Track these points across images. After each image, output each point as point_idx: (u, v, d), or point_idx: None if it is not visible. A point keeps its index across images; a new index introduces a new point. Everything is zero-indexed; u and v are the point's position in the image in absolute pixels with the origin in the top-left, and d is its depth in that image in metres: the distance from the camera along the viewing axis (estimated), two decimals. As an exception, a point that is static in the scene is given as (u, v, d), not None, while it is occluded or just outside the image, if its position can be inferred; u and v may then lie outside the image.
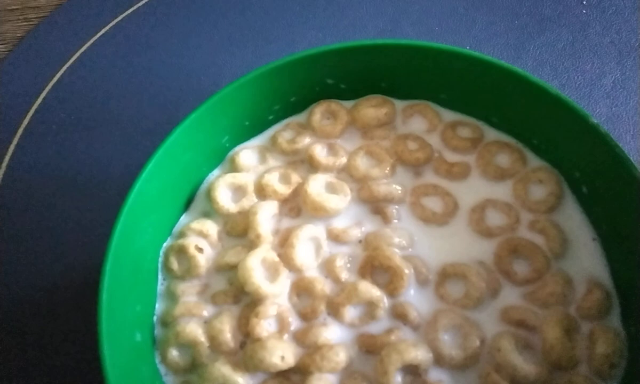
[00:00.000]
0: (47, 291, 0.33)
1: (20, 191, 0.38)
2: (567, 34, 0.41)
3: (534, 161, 0.29)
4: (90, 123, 0.40)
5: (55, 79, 0.44)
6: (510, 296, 0.26)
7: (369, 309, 0.25)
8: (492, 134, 0.29)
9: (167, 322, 0.26)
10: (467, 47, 0.41)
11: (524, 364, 0.23)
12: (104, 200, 0.36)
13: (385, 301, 0.25)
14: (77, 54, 0.45)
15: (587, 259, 0.26)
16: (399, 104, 0.30)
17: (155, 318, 0.26)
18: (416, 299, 0.25)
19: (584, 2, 0.42)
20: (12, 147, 0.41)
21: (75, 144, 0.40)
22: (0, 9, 0.50)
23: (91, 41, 0.45)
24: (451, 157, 0.29)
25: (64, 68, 0.44)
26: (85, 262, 0.33)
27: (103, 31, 0.46)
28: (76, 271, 0.33)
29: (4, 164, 0.40)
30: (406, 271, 0.25)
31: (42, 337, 0.32)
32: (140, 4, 0.47)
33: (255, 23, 0.44)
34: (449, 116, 0.30)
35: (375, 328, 0.25)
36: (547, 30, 0.41)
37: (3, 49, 0.47)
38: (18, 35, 0.48)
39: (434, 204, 0.28)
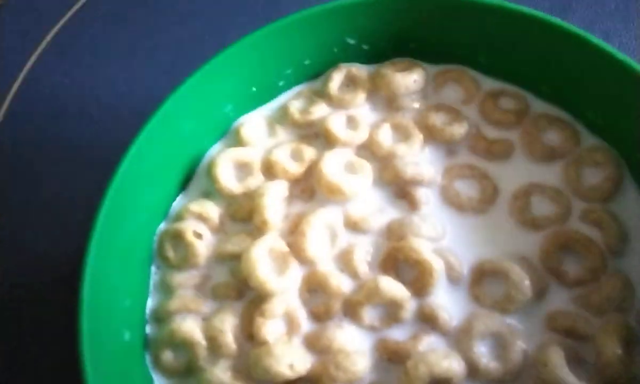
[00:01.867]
0: (23, 280, 0.30)
1: (7, 159, 0.35)
2: (618, -7, 0.36)
3: (589, 139, 0.24)
4: (86, 81, 0.37)
5: (48, 37, 0.40)
6: (559, 299, 0.22)
7: (392, 310, 0.22)
8: (540, 106, 0.25)
9: (160, 318, 0.23)
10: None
11: (576, 382, 0.20)
12: (93, 174, 0.32)
13: (411, 302, 0.22)
14: (68, 15, 0.42)
15: (649, 258, 0.22)
16: (431, 69, 0.26)
17: (147, 313, 0.23)
18: (447, 300, 0.22)
19: (641, -45, 0.37)
20: (1, 113, 0.38)
21: (65, 113, 0.36)
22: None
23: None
24: (491, 133, 0.25)
25: (57, 27, 0.41)
26: (68, 248, 0.30)
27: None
28: (57, 258, 0.30)
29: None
30: (436, 266, 0.22)
31: (17, 336, 0.29)
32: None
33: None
34: (489, 83, 0.26)
35: (398, 333, 0.22)
36: (598, -14, 0.36)
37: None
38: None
39: (469, 188, 0.24)
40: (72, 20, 0.41)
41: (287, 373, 0.20)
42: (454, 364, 0.20)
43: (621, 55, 0.22)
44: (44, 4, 0.42)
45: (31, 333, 0.28)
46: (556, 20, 0.23)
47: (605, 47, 0.23)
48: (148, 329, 0.23)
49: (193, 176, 0.26)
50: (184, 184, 0.26)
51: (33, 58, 0.40)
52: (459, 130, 0.24)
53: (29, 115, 0.37)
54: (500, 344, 0.21)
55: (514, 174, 0.24)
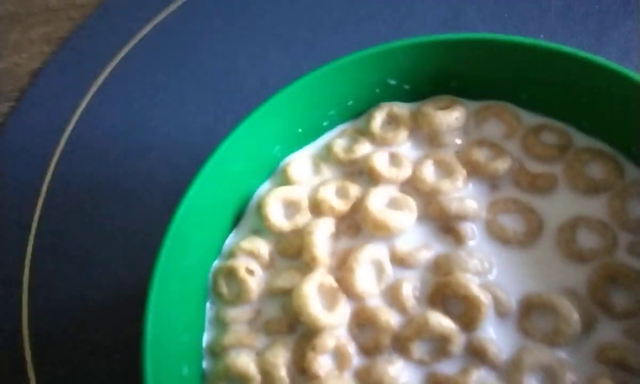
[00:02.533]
0: (82, 314, 0.31)
1: (63, 200, 0.37)
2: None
3: (634, 171, 0.25)
4: (133, 131, 0.39)
5: (99, 80, 0.43)
6: (608, 331, 0.22)
7: (441, 344, 0.22)
8: (582, 140, 0.25)
9: (216, 352, 0.24)
10: (541, 36, 0.37)
11: (628, 416, 0.20)
12: (148, 215, 0.34)
13: (459, 336, 0.22)
14: (124, 52, 0.44)
15: (700, 290, 0.22)
16: (472, 105, 0.27)
17: (203, 348, 0.24)
18: (496, 334, 0.22)
19: (678, -20, 0.37)
20: (56, 154, 0.40)
21: (119, 154, 0.38)
22: (43, 9, 0.49)
23: (136, 39, 0.44)
24: (534, 167, 0.25)
25: (108, 70, 0.43)
26: (126, 285, 0.32)
27: (146, 30, 0.44)
28: (117, 292, 0.32)
29: (49, 172, 0.39)
30: (485, 301, 0.22)
31: (80, 369, 0.30)
32: (178, 4, 0.45)
33: (304, 17, 0.41)
34: (530, 119, 0.26)
35: (448, 367, 0.22)
36: (635, 13, 0.36)
37: (48, 50, 0.46)
38: (61, 35, 0.47)
39: (514, 222, 0.24)
40: (121, 65, 0.43)
41: (340, 406, 0.21)
42: (505, 399, 0.21)
43: (662, 89, 0.23)
44: (97, 49, 0.44)
45: (95, 365, 0.30)
46: (593, 57, 0.24)
47: (644, 81, 0.23)
48: (204, 363, 0.24)
49: (243, 214, 0.27)
50: (235, 223, 0.27)
51: (84, 102, 0.42)
52: (502, 165, 0.25)
53: (81, 158, 0.39)
54: (550, 377, 0.21)
55: (559, 207, 0.24)
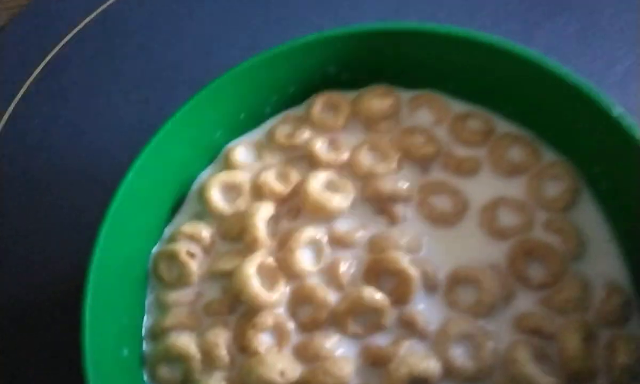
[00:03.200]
0: (23, 300, 0.31)
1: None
2: (576, 20, 0.39)
3: (549, 154, 0.27)
4: (70, 122, 0.38)
5: (35, 72, 0.42)
6: (525, 302, 0.24)
7: (375, 318, 0.23)
8: (504, 126, 0.27)
9: (156, 335, 0.24)
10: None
11: (542, 376, 0.22)
12: (89, 199, 0.34)
13: (391, 309, 0.23)
14: (62, 42, 0.43)
15: (605, 262, 0.25)
16: (405, 94, 0.28)
17: (143, 331, 0.24)
18: (425, 306, 0.24)
19: (595, -15, 0.40)
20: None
21: (55, 145, 0.37)
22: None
23: (74, 31, 0.43)
24: (460, 151, 0.27)
25: (45, 61, 0.42)
26: (67, 270, 0.31)
27: (85, 21, 0.43)
28: (56, 279, 0.31)
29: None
30: (414, 275, 0.24)
31: (21, 351, 0.30)
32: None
33: (248, 7, 0.41)
34: (457, 106, 0.28)
35: (381, 339, 0.23)
36: (556, 15, 0.39)
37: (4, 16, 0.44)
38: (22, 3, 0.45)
39: (442, 202, 0.26)
40: (57, 58, 0.42)
41: (278, 380, 0.22)
42: (431, 365, 0.22)
43: (574, 78, 0.25)
44: (30, 41, 0.43)
45: (35, 349, 0.29)
46: (514, 46, 0.26)
47: (559, 71, 0.25)
48: (145, 346, 0.24)
49: (185, 199, 0.27)
50: (177, 207, 0.27)
51: (19, 94, 0.41)
52: (431, 149, 0.27)
53: (18, 148, 0.38)
54: (473, 345, 0.23)
55: (482, 188, 0.26)
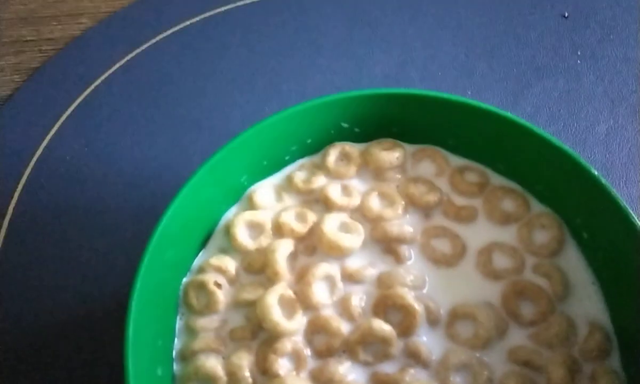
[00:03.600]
0: (69, 324, 0.33)
1: (29, 223, 0.39)
2: (562, 83, 0.43)
3: (537, 206, 0.30)
4: (103, 158, 0.41)
5: (69, 110, 0.45)
6: (517, 336, 0.27)
7: (383, 347, 0.26)
8: (497, 179, 0.31)
9: (186, 357, 0.27)
10: (469, 93, 0.43)
11: (531, 404, 0.25)
12: (114, 238, 0.37)
13: (398, 341, 0.26)
14: (91, 88, 0.46)
15: (588, 303, 0.28)
16: (409, 148, 0.32)
17: (174, 353, 0.27)
18: (428, 338, 0.27)
19: (579, 53, 0.45)
20: (24, 177, 0.42)
21: (87, 179, 0.40)
22: (16, 40, 0.51)
23: (106, 74, 0.47)
24: (459, 200, 0.30)
25: (78, 100, 0.46)
26: (104, 297, 0.34)
27: (117, 66, 0.47)
28: (94, 305, 0.34)
29: (16, 194, 0.41)
30: (419, 310, 0.26)
31: (72, 360, 0.32)
32: (154, 40, 0.49)
33: (264, 66, 0.45)
34: (456, 161, 0.32)
35: (389, 367, 0.26)
36: (544, 78, 0.44)
37: (18, 79, 0.48)
38: (33, 66, 0.49)
39: (443, 245, 0.29)
40: (92, 96, 0.46)
41: (297, 400, 0.24)
42: (434, 391, 0.25)
43: (557, 142, 0.28)
44: (66, 81, 0.47)
45: (80, 362, 0.32)
46: (505, 113, 0.29)
47: (544, 135, 0.28)
48: (175, 367, 0.27)
49: (212, 235, 0.30)
50: (204, 243, 0.30)
51: (54, 128, 0.44)
52: (433, 198, 0.30)
53: (49, 183, 0.41)
54: (471, 374, 0.26)
55: (479, 234, 0.29)
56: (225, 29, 0.49)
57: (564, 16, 0.47)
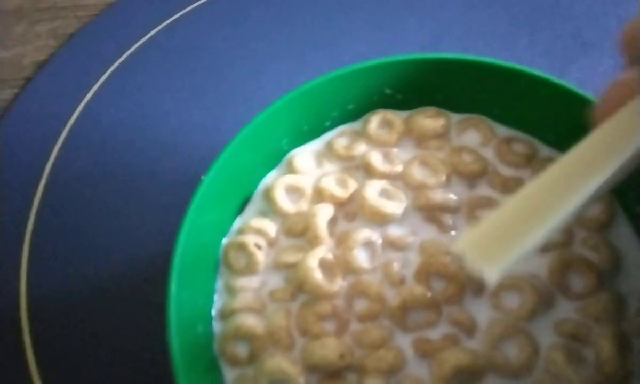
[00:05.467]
0: (114, 281, 0.34)
1: (63, 187, 0.39)
2: (608, 59, 0.42)
3: (587, 179, 0.29)
4: (138, 124, 0.41)
5: (104, 76, 0.45)
6: (564, 309, 0.26)
7: (426, 314, 0.26)
8: (546, 151, 0.30)
9: (225, 315, 0.26)
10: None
11: (578, 377, 0.24)
12: (147, 205, 0.37)
13: (441, 308, 0.26)
14: (125, 55, 0.46)
15: (638, 277, 0.27)
16: (454, 116, 0.31)
17: (214, 312, 0.27)
18: (472, 307, 0.26)
19: (625, 29, 0.43)
20: (60, 141, 0.42)
21: (121, 146, 0.40)
22: (52, 6, 0.51)
23: (141, 41, 0.47)
24: (505, 171, 0.29)
25: (113, 67, 0.46)
26: (140, 261, 0.34)
27: (152, 33, 0.47)
28: (130, 268, 0.34)
29: (52, 158, 0.41)
30: (463, 279, 0.26)
31: (110, 322, 0.32)
32: (189, 8, 0.48)
33: (297, 37, 0.45)
34: (503, 130, 0.31)
35: (431, 333, 0.26)
36: (589, 53, 0.42)
37: (54, 44, 0.48)
38: (68, 32, 0.49)
39: (488, 215, 0.28)
40: (127, 63, 0.46)
41: (338, 362, 0.24)
42: (478, 359, 0.24)
43: (612, 111, 0.27)
44: (102, 47, 0.47)
45: (125, 322, 0.32)
46: (552, 78, 0.29)
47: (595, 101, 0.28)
48: (215, 324, 0.27)
49: (251, 198, 0.30)
50: (243, 205, 0.30)
51: (89, 95, 0.44)
52: (478, 167, 0.29)
53: (83, 148, 0.41)
54: (516, 344, 0.25)
55: (525, 205, 0.29)
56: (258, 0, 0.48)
57: (611, -10, 0.45)
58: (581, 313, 0.26)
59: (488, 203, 0.29)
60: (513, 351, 0.25)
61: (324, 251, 0.27)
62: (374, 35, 0.44)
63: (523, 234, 0.18)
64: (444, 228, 0.28)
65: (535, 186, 0.20)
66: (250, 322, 0.26)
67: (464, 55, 0.30)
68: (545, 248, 0.27)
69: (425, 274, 0.27)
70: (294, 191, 0.29)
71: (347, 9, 0.46)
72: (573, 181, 0.19)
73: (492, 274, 0.18)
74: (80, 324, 0.33)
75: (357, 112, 0.32)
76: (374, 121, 0.31)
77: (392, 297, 0.26)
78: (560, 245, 0.27)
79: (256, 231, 0.28)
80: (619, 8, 0.44)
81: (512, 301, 0.26)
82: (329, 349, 0.24)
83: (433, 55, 0.30)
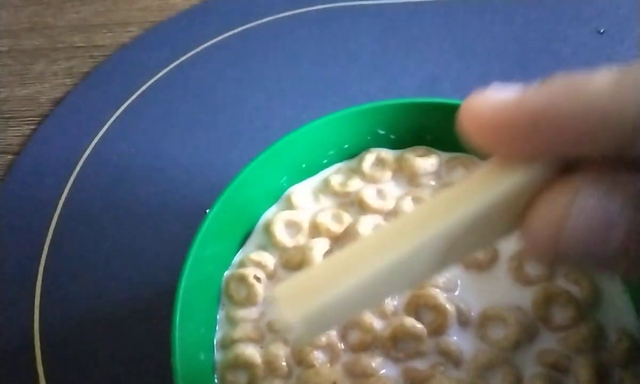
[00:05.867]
0: (122, 310, 0.35)
1: (77, 218, 0.41)
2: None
3: (569, 215, 0.31)
4: (149, 160, 0.43)
5: (117, 113, 0.48)
6: (547, 340, 0.27)
7: (415, 344, 0.27)
8: (529, 188, 0.32)
9: (226, 345, 0.28)
10: (502, 105, 0.44)
11: (559, 405, 0.25)
12: (158, 235, 0.39)
13: (429, 339, 0.27)
14: (138, 93, 0.49)
15: (617, 310, 0.28)
16: (443, 155, 0.33)
17: (215, 341, 0.29)
18: (458, 338, 0.27)
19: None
20: (74, 175, 0.44)
21: (134, 178, 0.43)
22: (68, 46, 0.54)
23: (152, 80, 0.49)
24: (491, 208, 0.31)
25: (126, 104, 0.48)
26: (149, 290, 0.36)
27: (164, 72, 0.50)
28: (139, 297, 0.36)
29: (66, 191, 0.43)
30: (450, 310, 0.27)
31: (117, 349, 0.34)
32: (199, 48, 0.51)
33: (302, 76, 0.47)
34: (489, 169, 0.33)
35: (420, 363, 0.27)
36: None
37: (69, 83, 0.51)
38: (83, 70, 0.52)
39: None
40: (139, 100, 0.48)
41: (331, 390, 0.26)
42: (464, 387, 0.26)
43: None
44: (115, 85, 0.49)
45: (132, 349, 0.34)
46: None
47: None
48: (216, 354, 0.28)
49: (251, 233, 0.32)
50: (244, 240, 0.32)
51: (102, 130, 0.47)
52: (466, 204, 0.31)
53: (97, 180, 0.43)
54: (500, 373, 0.26)
55: (510, 241, 0.30)
56: (264, 40, 0.51)
57: (600, 32, 0.47)
58: (562, 343, 0.27)
59: (475, 238, 0.30)
60: (497, 380, 0.26)
61: (319, 283, 0.29)
62: (376, 77, 0.46)
63: (330, 287, 0.17)
64: (433, 262, 0.30)
65: (359, 243, 0.18)
66: (250, 351, 0.27)
67: (450, 100, 0.32)
68: (529, 281, 0.29)
69: (414, 306, 0.28)
70: (292, 226, 0.31)
71: (351, 54, 0.48)
72: (396, 239, 0.17)
73: (292, 318, 0.17)
74: (90, 352, 0.34)
75: (353, 150, 0.34)
76: (368, 159, 0.33)
77: (383, 328, 0.28)
78: (543, 278, 0.29)
79: (256, 263, 0.30)
80: (608, 49, 0.46)
81: (497, 333, 0.27)
82: (322, 377, 0.26)
83: (422, 99, 0.32)
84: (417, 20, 0.50)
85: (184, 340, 0.26)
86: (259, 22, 0.52)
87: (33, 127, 0.48)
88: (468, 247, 0.18)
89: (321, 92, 0.46)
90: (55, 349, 0.35)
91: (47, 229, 0.41)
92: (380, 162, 0.33)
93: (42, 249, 0.40)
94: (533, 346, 0.27)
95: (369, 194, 0.32)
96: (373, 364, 0.27)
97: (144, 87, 0.49)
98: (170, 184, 0.42)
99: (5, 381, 0.34)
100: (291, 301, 0.17)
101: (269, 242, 0.31)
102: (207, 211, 0.29)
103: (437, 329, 0.27)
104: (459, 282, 0.29)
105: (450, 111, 0.32)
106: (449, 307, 0.27)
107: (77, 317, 0.36)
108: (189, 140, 0.44)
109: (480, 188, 0.18)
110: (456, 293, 0.29)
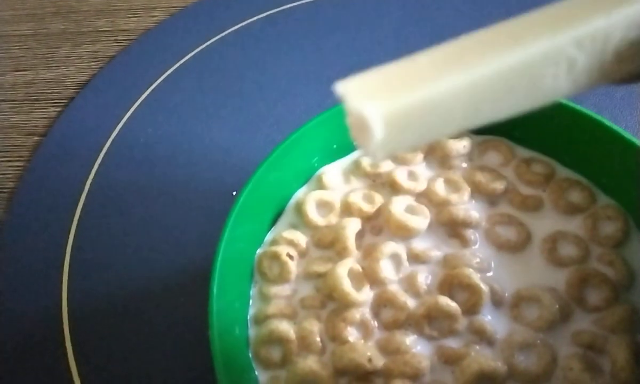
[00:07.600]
0: (153, 287, 0.36)
1: (103, 198, 0.42)
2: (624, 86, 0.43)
3: (603, 199, 0.31)
4: (174, 142, 0.44)
5: (143, 96, 0.48)
6: (581, 321, 0.27)
7: (448, 323, 0.27)
8: (563, 171, 0.32)
9: (259, 320, 0.28)
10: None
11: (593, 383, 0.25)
12: (184, 215, 0.39)
13: (463, 318, 0.27)
14: (163, 77, 0.49)
15: (653, 294, 0.28)
16: (476, 138, 0.33)
17: (248, 317, 0.29)
18: (492, 318, 0.27)
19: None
20: (100, 158, 0.45)
21: (160, 160, 0.43)
22: (93, 30, 0.54)
23: (177, 64, 0.50)
24: (525, 190, 0.31)
25: (151, 88, 0.48)
26: (177, 266, 0.36)
27: (188, 56, 0.50)
28: (175, 271, 0.36)
29: (92, 173, 0.44)
30: (484, 289, 0.27)
31: (157, 324, 0.35)
32: (223, 33, 0.51)
33: (326, 60, 0.47)
34: (522, 152, 0.32)
35: (453, 342, 0.27)
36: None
37: (95, 66, 0.51)
38: (109, 54, 0.52)
39: (508, 232, 0.30)
40: (162, 86, 0.49)
41: (367, 365, 0.26)
42: (499, 366, 0.25)
43: (626, 134, 0.29)
44: (140, 69, 0.50)
45: (170, 320, 0.35)
46: (571, 104, 0.30)
47: (613, 127, 0.29)
48: (249, 329, 0.28)
49: (283, 211, 0.32)
50: (276, 219, 0.32)
51: (129, 112, 0.47)
52: (499, 186, 0.31)
53: (123, 161, 0.44)
54: (535, 353, 0.26)
55: (544, 223, 0.30)
56: (289, 25, 0.51)
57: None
58: (598, 324, 0.27)
59: (508, 220, 0.30)
60: (532, 360, 0.26)
61: (352, 261, 0.29)
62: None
63: (422, 83, 0.14)
64: (465, 243, 0.30)
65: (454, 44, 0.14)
66: (283, 327, 0.27)
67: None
68: (562, 263, 0.29)
69: (448, 285, 0.28)
70: (324, 205, 0.31)
71: (378, 39, 0.48)
72: (516, 37, 0.14)
73: (373, 114, 0.14)
74: (120, 327, 0.35)
75: (384, 132, 0.34)
76: (399, 141, 0.33)
77: (417, 306, 0.28)
78: (577, 260, 0.29)
79: (288, 242, 0.30)
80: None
81: (531, 313, 0.27)
82: (357, 352, 0.26)
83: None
84: (443, 6, 0.49)
85: (220, 314, 0.26)
86: (282, 8, 0.52)
87: (59, 109, 0.48)
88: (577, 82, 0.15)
89: (344, 75, 0.45)
90: (83, 326, 0.35)
91: (75, 209, 0.41)
92: (411, 144, 0.33)
93: (70, 228, 0.40)
94: (567, 327, 0.27)
95: (400, 175, 0.32)
96: (407, 341, 0.27)
97: (169, 71, 0.49)
98: (196, 166, 0.42)
99: (33, 352, 0.34)
100: (368, 95, 0.14)
101: (301, 222, 0.31)
102: (234, 192, 0.30)
103: (471, 309, 0.27)
104: (492, 264, 0.29)
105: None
106: (483, 287, 0.27)
107: (105, 292, 0.37)
108: (214, 124, 0.44)
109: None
110: (490, 274, 0.29)
